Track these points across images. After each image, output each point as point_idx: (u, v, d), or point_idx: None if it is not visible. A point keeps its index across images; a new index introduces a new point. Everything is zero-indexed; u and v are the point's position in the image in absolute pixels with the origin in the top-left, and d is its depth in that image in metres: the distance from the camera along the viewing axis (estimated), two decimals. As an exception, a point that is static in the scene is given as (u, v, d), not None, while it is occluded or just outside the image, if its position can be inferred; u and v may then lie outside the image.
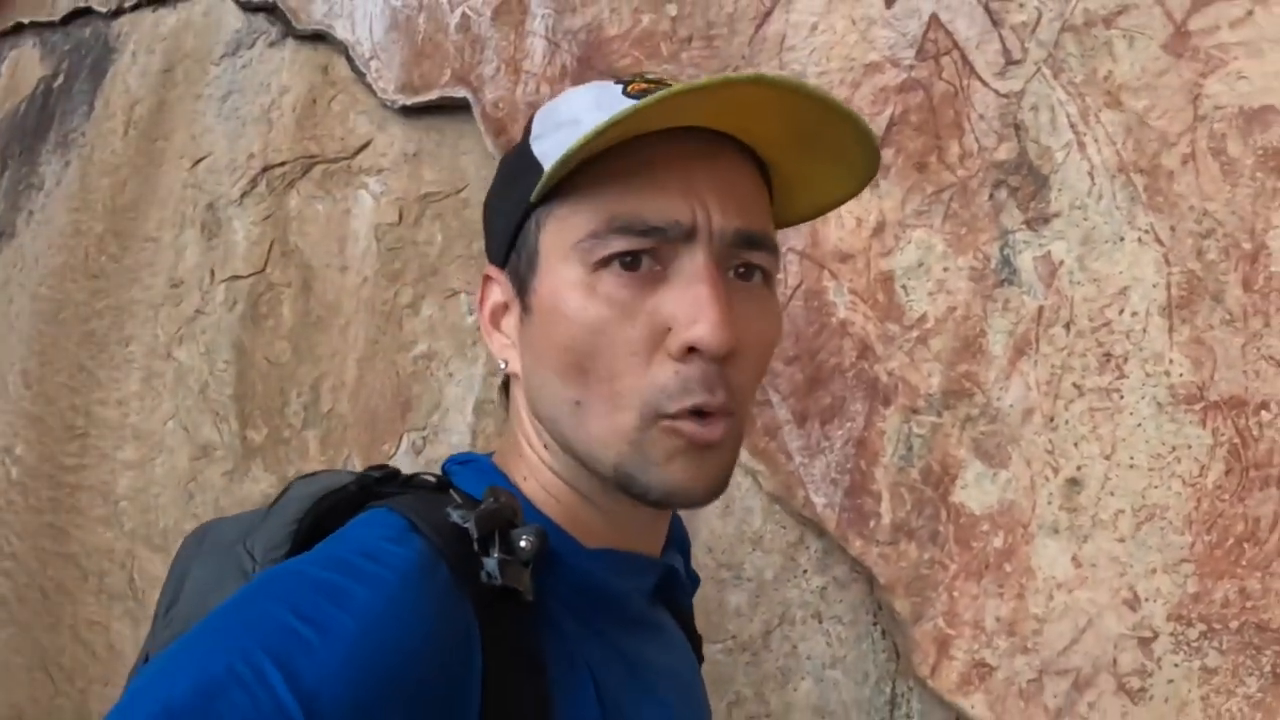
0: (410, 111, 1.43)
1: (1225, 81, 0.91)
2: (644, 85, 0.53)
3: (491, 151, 1.32)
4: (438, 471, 0.62)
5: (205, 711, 0.39)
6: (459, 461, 0.61)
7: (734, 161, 0.54)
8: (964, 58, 1.01)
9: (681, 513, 0.73)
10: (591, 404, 0.52)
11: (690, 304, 0.50)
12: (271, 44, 1.63)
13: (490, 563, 0.50)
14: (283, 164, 1.56)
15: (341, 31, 1.51)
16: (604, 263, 0.51)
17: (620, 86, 0.54)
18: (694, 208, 0.51)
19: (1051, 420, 0.95)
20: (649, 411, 0.51)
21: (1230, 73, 0.90)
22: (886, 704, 1.03)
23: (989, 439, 0.97)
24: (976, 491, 0.97)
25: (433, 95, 1.38)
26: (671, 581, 0.63)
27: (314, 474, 0.62)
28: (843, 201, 0.61)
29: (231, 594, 0.47)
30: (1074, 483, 0.93)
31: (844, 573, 1.06)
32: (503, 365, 0.59)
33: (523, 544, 0.51)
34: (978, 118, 1.00)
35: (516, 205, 0.56)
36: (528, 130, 0.58)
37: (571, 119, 0.54)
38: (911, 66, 1.03)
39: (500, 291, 0.59)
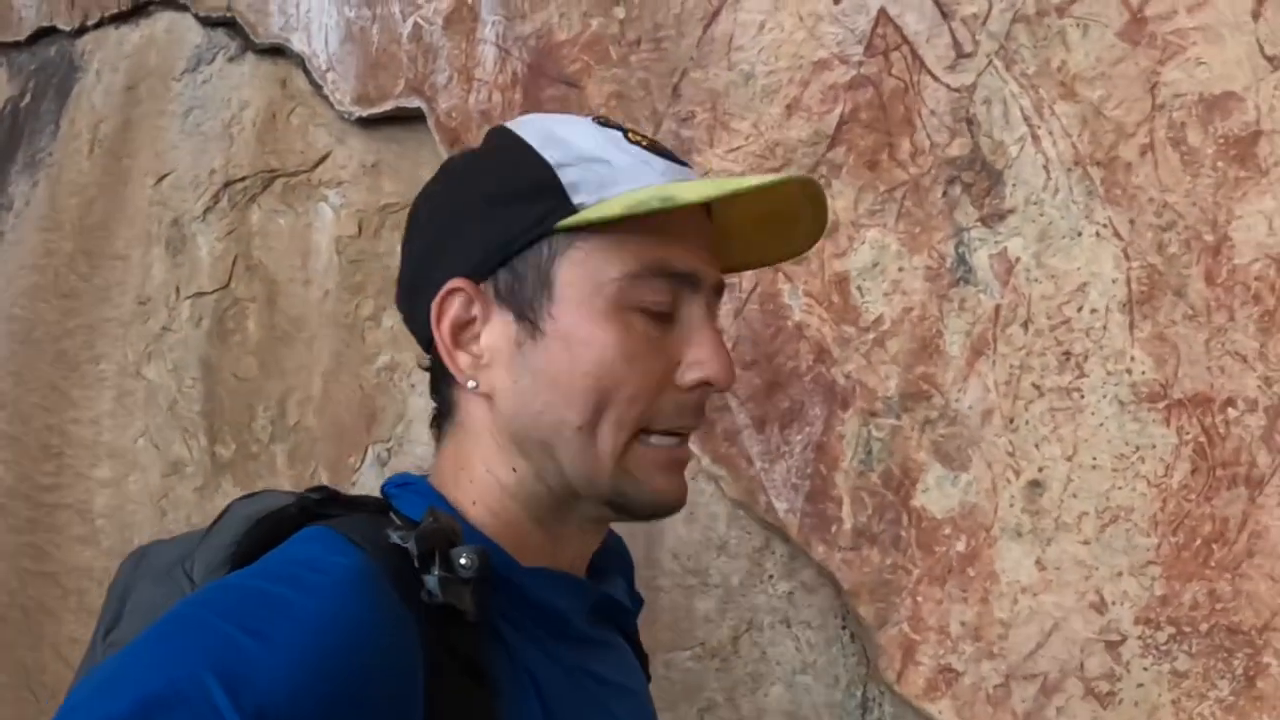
0: (368, 123, 1.42)
1: (1184, 69, 0.88)
2: (639, 138, 0.59)
3: (447, 160, 1.31)
4: (377, 495, 0.61)
5: None
6: (398, 484, 0.61)
7: (708, 221, 0.61)
8: (914, 52, 0.99)
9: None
10: (599, 427, 0.55)
11: (708, 348, 0.57)
12: (231, 59, 1.61)
13: (431, 580, 0.50)
14: (244, 179, 1.54)
15: (298, 44, 1.49)
16: (637, 300, 0.56)
17: (621, 132, 0.58)
18: (700, 260, 0.58)
19: (1011, 421, 0.93)
20: (638, 429, 0.56)
21: (1189, 59, 0.88)
22: (858, 708, 1.01)
23: (949, 441, 0.95)
24: (938, 495, 0.95)
25: (388, 106, 1.37)
26: (610, 609, 0.63)
27: (253, 494, 0.62)
28: (776, 263, 0.72)
29: None
30: (1036, 485, 0.91)
31: (811, 577, 1.04)
32: (471, 386, 0.57)
33: (463, 561, 0.51)
34: (929, 113, 0.98)
35: (522, 223, 0.55)
36: (525, 146, 0.57)
37: (596, 156, 0.56)
38: (861, 63, 1.01)
39: (467, 306, 0.57)
